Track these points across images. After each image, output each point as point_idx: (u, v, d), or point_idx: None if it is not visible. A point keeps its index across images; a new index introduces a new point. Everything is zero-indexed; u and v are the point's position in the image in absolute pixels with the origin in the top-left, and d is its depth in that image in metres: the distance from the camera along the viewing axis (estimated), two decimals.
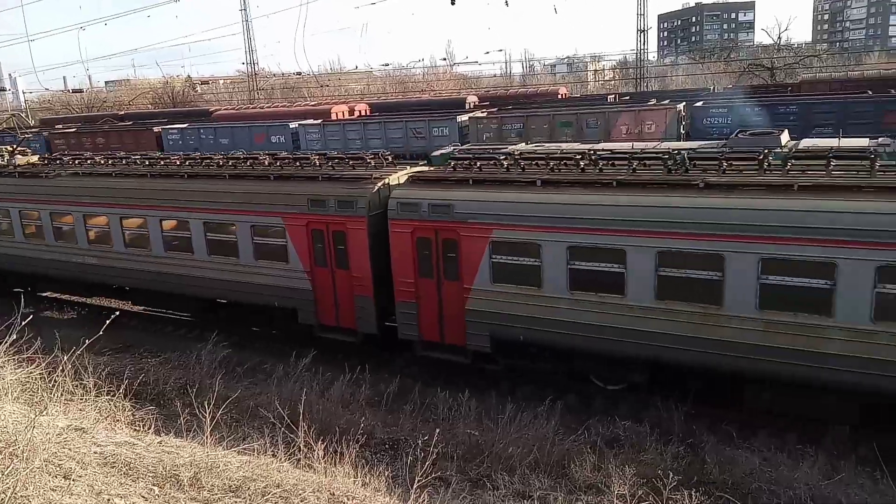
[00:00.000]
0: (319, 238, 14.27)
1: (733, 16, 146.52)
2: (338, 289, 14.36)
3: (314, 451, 8.24)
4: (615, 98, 48.79)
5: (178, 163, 18.49)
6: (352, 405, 11.63)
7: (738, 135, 16.55)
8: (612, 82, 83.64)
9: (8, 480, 4.74)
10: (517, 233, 11.90)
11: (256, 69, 79.17)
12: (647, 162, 12.59)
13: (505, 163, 13.59)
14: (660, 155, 12.78)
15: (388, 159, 15.93)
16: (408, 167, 15.20)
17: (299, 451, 8.58)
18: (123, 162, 19.50)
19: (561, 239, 11.48)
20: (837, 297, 9.66)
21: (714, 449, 10.13)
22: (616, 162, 12.90)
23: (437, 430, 8.78)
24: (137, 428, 9.40)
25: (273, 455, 8.38)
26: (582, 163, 12.98)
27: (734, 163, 11.77)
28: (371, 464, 9.26)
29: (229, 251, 15.35)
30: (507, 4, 59.97)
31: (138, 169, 18.04)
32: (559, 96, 55.02)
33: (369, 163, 15.49)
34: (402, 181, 14.09)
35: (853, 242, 9.48)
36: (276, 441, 9.03)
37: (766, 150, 12.15)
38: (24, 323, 7.97)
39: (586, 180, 12.05)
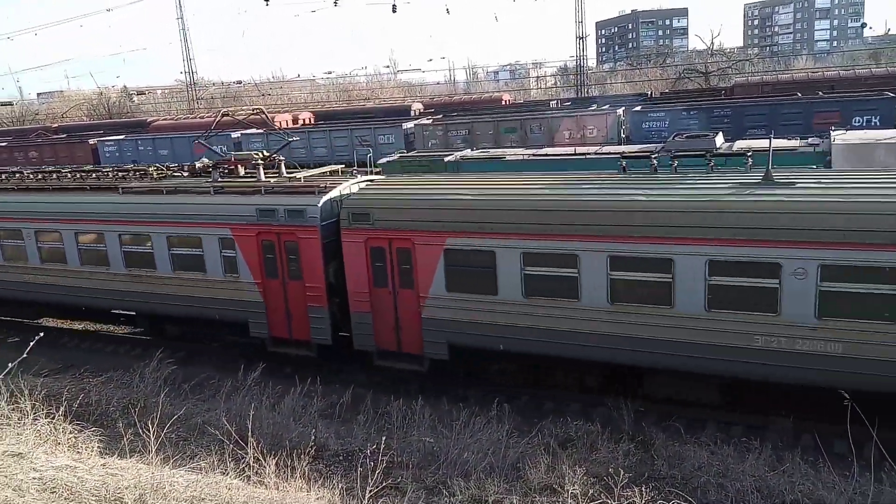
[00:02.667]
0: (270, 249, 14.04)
1: (667, 22, 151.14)
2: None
3: (265, 466, 8.10)
4: (558, 104, 49.64)
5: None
6: (304, 418, 11.44)
7: (675, 138, 17.04)
8: (554, 88, 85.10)
9: None
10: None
11: (195, 78, 77.54)
12: None
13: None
14: None
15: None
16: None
17: (249, 467, 8.42)
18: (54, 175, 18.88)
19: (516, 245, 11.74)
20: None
21: (663, 445, 10.36)
22: None
23: (385, 438, 8.72)
24: (79, 451, 9.05)
25: (222, 473, 8.20)
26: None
27: None
28: (325, 476, 9.14)
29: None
30: (448, 12, 60.43)
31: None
32: (503, 103, 55.63)
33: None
34: (353, 190, 14.00)
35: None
36: (225, 458, 8.83)
37: None
38: None
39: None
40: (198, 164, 16.94)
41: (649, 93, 52.96)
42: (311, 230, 13.52)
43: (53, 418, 9.32)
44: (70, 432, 9.71)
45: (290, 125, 51.87)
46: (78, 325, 18.52)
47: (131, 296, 15.81)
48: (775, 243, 9.93)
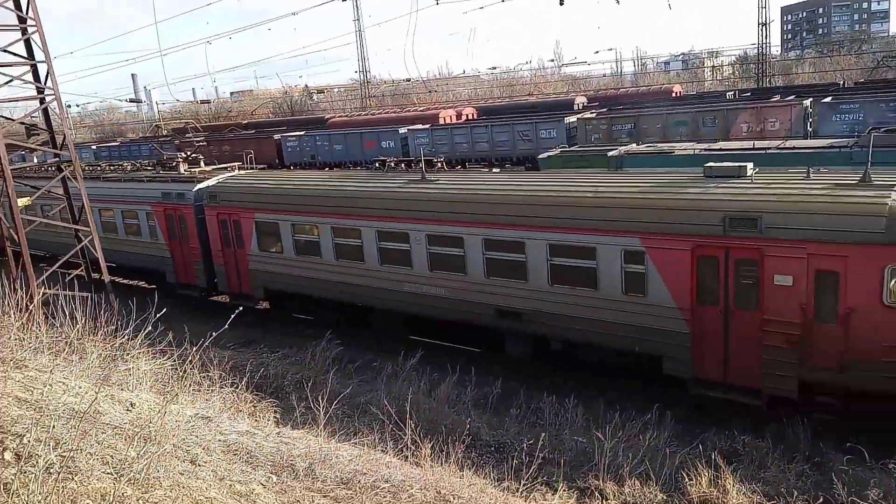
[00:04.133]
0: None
1: (864, 5, 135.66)
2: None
3: (421, 448, 8.37)
4: (735, 95, 46.48)
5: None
6: (457, 406, 11.71)
7: (872, 132, 15.29)
8: (732, 78, 79.73)
9: (141, 462, 5.12)
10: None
11: (368, 77, 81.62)
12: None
13: None
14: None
15: None
16: None
17: (407, 448, 8.75)
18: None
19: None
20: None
21: (843, 468, 9.40)
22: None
23: (543, 435, 8.68)
24: (258, 418, 9.93)
25: (382, 451, 8.60)
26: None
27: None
28: (477, 465, 9.29)
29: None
30: (617, 2, 58.48)
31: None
32: (673, 95, 53.09)
33: None
34: (218, 181, 19.98)
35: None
36: (385, 437, 9.26)
37: None
38: (157, 317, 8.62)
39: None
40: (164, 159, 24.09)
41: (842, 83, 47.99)
42: (189, 207, 19.88)
43: (237, 388, 10.28)
44: (250, 401, 10.68)
45: (454, 120, 53.06)
46: (260, 305, 20.25)
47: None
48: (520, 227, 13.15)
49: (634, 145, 22.25)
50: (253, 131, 65.42)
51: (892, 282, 9.71)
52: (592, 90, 68.23)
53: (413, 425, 8.43)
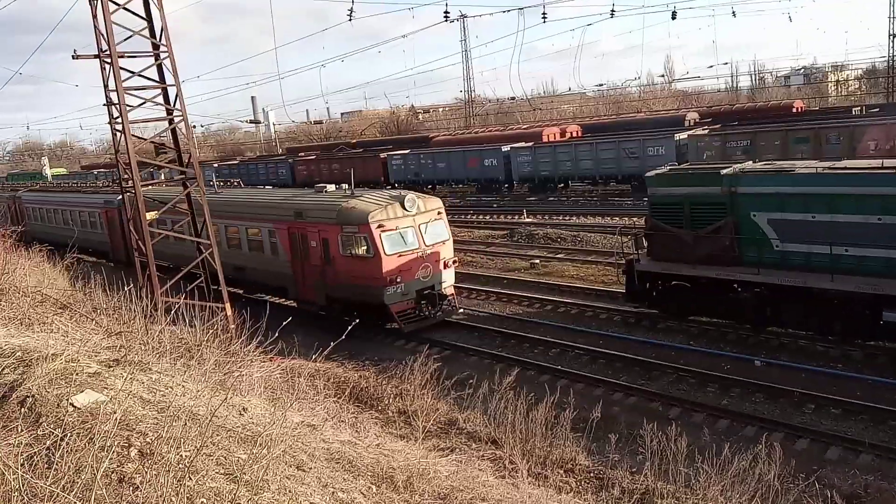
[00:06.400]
0: None
1: None
2: None
3: (518, 469, 8.32)
4: (862, 110, 43.45)
5: None
6: (555, 428, 11.51)
7: None
8: (859, 93, 74.61)
9: (253, 465, 5.38)
10: None
11: (472, 96, 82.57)
12: None
13: None
14: None
15: None
16: None
17: (504, 468, 8.72)
18: None
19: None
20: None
21: None
22: None
23: (640, 463, 8.38)
24: (358, 429, 10.20)
25: (479, 469, 8.60)
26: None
27: None
28: (575, 491, 9.11)
29: None
30: (734, 15, 56.34)
31: None
32: (793, 110, 50.28)
33: None
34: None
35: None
36: (482, 455, 9.26)
37: None
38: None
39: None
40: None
41: None
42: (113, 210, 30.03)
43: (339, 398, 10.62)
44: (352, 412, 10.98)
45: (558, 138, 52.63)
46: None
47: None
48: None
49: (750, 163, 21.19)
50: (361, 150, 67.54)
51: (342, 242, 18.55)
52: (705, 106, 65.73)
53: (509, 445, 8.39)
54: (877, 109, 43.57)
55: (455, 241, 31.40)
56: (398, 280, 17.89)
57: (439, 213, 19.53)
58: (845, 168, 15.84)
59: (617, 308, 18.72)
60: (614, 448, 11.08)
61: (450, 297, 19.54)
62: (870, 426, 11.56)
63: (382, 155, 55.90)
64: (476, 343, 17.69)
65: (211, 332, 10.40)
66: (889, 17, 57.51)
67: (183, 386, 7.98)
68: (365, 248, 18.06)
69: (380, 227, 17.83)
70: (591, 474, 10.07)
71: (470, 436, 11.03)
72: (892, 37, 58.08)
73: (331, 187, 21.78)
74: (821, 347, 14.76)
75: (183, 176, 19.16)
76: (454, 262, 19.91)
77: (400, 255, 18.01)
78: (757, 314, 15.55)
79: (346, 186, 21.07)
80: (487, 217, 39.33)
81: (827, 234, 14.02)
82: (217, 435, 6.49)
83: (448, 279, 19.44)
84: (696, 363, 14.74)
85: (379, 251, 17.75)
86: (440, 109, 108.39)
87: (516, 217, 37.54)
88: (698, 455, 10.38)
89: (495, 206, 43.55)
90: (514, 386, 13.14)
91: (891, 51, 58.75)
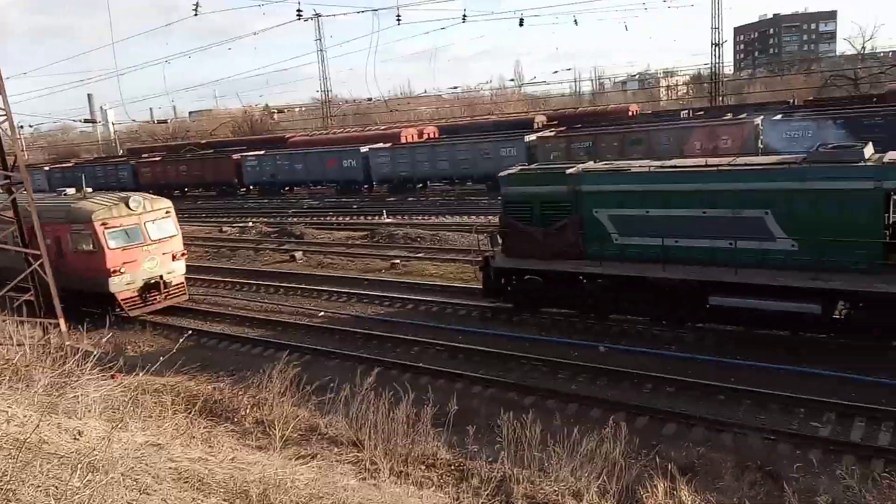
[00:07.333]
0: None
1: (813, 27, 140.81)
2: None
3: (380, 469, 8.32)
4: (689, 114, 47.64)
5: None
6: (416, 425, 11.63)
7: (819, 149, 15.84)
8: (686, 98, 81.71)
9: (86, 491, 4.99)
10: None
11: (329, 96, 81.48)
12: None
13: None
14: None
15: None
16: None
17: (366, 470, 8.68)
18: None
19: None
20: None
21: (793, 476, 9.63)
22: None
23: (496, 451, 8.68)
24: (212, 444, 9.73)
25: (340, 473, 8.51)
26: None
27: None
28: (437, 485, 9.25)
29: None
30: (576, 23, 59.77)
31: None
32: (630, 114, 54.16)
33: None
34: None
35: None
36: (344, 459, 9.17)
37: None
38: (105, 339, 8.42)
39: None
40: None
41: (791, 101, 49.62)
42: None
43: (190, 412, 10.08)
44: (204, 427, 10.45)
45: (416, 139, 53.21)
46: (217, 328, 19.91)
47: None
48: None
49: (591, 163, 22.59)
50: (212, 151, 64.53)
51: (71, 239, 20.70)
52: (552, 109, 69.19)
53: (371, 446, 8.37)
54: (701, 112, 47.95)
55: (314, 244, 31.04)
56: (122, 271, 20.24)
57: (167, 212, 21.84)
58: (674, 167, 17.29)
59: (475, 304, 19.23)
60: (473, 439, 11.40)
61: (178, 285, 21.97)
62: (701, 401, 12.70)
63: (236, 156, 53.83)
64: (337, 346, 17.49)
65: (43, 350, 9.52)
66: (712, 28, 63.58)
67: (7, 412, 7.25)
68: (91, 243, 20.21)
69: (103, 224, 20.06)
70: (452, 467, 10.26)
71: (332, 440, 10.87)
72: (714, 45, 64.21)
73: (70, 190, 24.63)
74: (656, 332, 16.01)
75: (8, 181, 17.44)
76: (182, 254, 22.11)
77: (125, 250, 20.35)
78: (601, 304, 16.63)
79: (77, 189, 23.85)
80: (347, 218, 39.01)
81: (660, 228, 15.25)
82: (47, 462, 5.96)
83: (177, 269, 21.89)
84: (548, 352, 15.48)
85: (103, 246, 19.99)
86: (296, 109, 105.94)
87: (376, 218, 37.52)
88: (551, 439, 10.92)
89: (355, 207, 43.29)
90: (376, 386, 13.12)
91: (713, 59, 64.94)
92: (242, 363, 16.55)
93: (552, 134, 40.45)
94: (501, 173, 18.84)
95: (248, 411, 11.94)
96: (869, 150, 14.52)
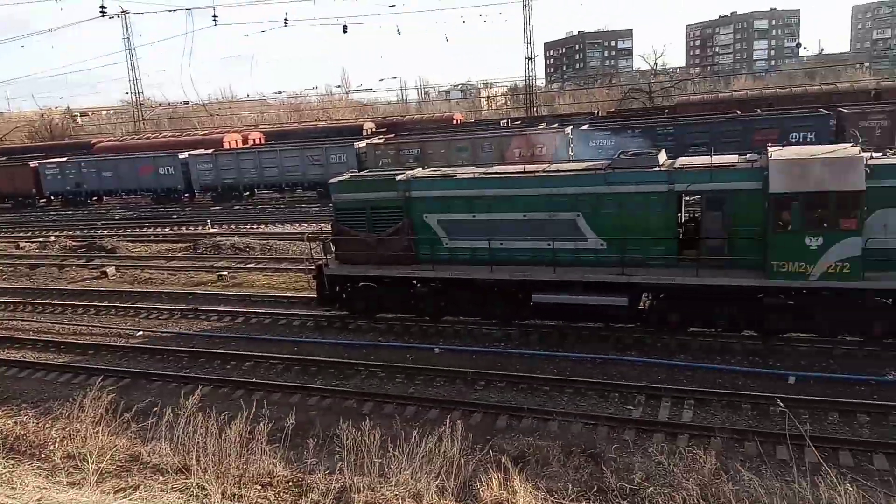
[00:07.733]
0: None
1: (613, 43, 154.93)
2: None
3: (210, 496, 7.89)
4: (508, 123, 50.30)
5: None
6: (251, 444, 11.18)
7: (620, 155, 17.41)
8: (505, 108, 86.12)
9: None
10: None
11: (141, 99, 75.97)
12: None
13: None
14: None
15: None
16: None
17: (196, 497, 8.19)
18: None
19: None
20: None
21: (612, 457, 10.48)
22: None
23: (336, 462, 8.59)
24: (14, 486, 8.67)
25: (165, 503, 7.96)
26: None
27: None
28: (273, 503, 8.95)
29: None
30: (398, 33, 60.69)
31: None
32: (454, 122, 56.06)
33: None
34: None
35: None
36: (171, 487, 8.58)
37: None
38: None
39: None
40: None
41: (596, 112, 54.14)
42: None
43: None
44: (5, 467, 9.30)
45: (240, 145, 51.24)
46: (16, 356, 17.79)
47: None
48: None
49: (420, 169, 23.06)
50: (4, 158, 57.75)
51: None
52: (380, 116, 69.77)
53: (200, 471, 7.91)
54: (519, 122, 50.82)
55: (129, 258, 28.79)
56: None
57: None
58: (497, 173, 18.13)
59: (310, 313, 18.87)
60: (312, 452, 11.16)
61: None
62: (528, 394, 13.44)
63: (33, 163, 48.59)
64: (159, 367, 16.33)
65: None
66: (525, 42, 67.57)
67: None
68: None
69: None
70: (290, 483, 9.98)
71: (156, 468, 10.11)
72: (527, 59, 68.29)
73: None
74: (486, 330, 16.71)
75: None
76: None
77: None
78: (434, 307, 17.04)
79: None
80: (167, 229, 36.57)
81: (486, 231, 15.95)
82: None
83: None
84: (385, 357, 15.57)
85: None
86: (103, 113, 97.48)
87: (200, 228, 35.56)
88: (391, 444, 10.99)
89: (175, 217, 40.70)
90: (204, 407, 12.43)
91: (527, 72, 69.07)
92: (48, 393, 14.93)
93: (381, 141, 40.80)
94: (332, 180, 18.67)
95: (56, 445, 10.78)
96: (663, 157, 16.20)
